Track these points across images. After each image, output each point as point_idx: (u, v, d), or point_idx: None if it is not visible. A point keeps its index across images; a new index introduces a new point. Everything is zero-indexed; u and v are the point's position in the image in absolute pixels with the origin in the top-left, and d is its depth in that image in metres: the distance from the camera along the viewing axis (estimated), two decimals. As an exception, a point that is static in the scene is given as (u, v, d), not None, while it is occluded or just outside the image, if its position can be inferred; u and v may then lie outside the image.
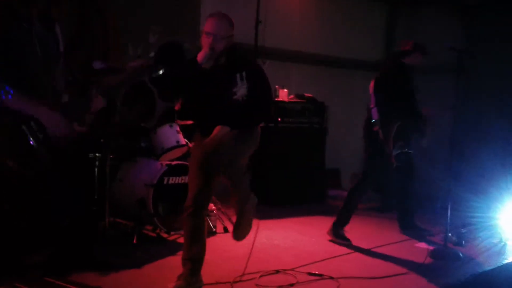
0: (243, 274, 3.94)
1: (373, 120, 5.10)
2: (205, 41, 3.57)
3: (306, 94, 7.22)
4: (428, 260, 4.64)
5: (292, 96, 7.18)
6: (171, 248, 4.60)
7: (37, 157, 2.98)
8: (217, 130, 3.58)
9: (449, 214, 4.75)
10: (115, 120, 4.83)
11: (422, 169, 5.60)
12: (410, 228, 5.64)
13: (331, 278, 3.98)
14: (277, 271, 4.10)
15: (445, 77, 7.90)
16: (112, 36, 6.07)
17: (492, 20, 7.72)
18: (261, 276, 3.96)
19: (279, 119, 6.82)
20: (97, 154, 4.61)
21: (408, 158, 5.40)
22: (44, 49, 3.18)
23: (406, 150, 5.25)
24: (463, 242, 5.17)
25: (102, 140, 4.56)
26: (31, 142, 2.93)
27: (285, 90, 7.05)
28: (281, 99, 6.97)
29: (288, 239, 5.22)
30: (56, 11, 3.29)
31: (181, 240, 4.89)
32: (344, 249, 4.92)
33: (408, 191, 5.61)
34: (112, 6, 6.09)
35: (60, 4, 3.28)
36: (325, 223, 5.41)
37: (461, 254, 4.74)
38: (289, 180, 6.91)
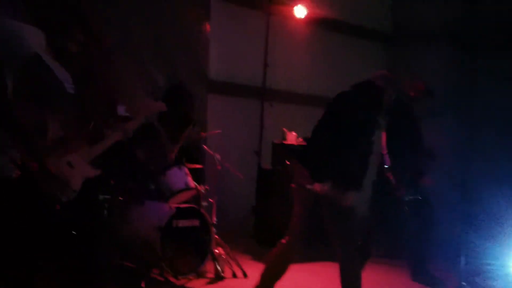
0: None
1: (386, 166, 5.07)
2: None
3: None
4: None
5: (301, 139, 7.13)
6: (179, 293, 4.51)
7: None
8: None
9: (462, 262, 4.66)
10: (125, 161, 4.81)
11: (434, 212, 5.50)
12: (422, 275, 5.44)
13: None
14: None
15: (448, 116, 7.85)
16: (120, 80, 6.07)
17: (493, 56, 7.74)
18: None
19: (287, 162, 6.76)
20: (106, 196, 4.57)
21: (426, 202, 5.34)
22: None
23: (418, 196, 5.19)
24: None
25: (112, 182, 4.52)
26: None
27: (294, 133, 7.00)
28: (290, 142, 6.91)
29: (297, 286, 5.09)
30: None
31: (189, 284, 4.80)
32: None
33: (424, 235, 5.43)
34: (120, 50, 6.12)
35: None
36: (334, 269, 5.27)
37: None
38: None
